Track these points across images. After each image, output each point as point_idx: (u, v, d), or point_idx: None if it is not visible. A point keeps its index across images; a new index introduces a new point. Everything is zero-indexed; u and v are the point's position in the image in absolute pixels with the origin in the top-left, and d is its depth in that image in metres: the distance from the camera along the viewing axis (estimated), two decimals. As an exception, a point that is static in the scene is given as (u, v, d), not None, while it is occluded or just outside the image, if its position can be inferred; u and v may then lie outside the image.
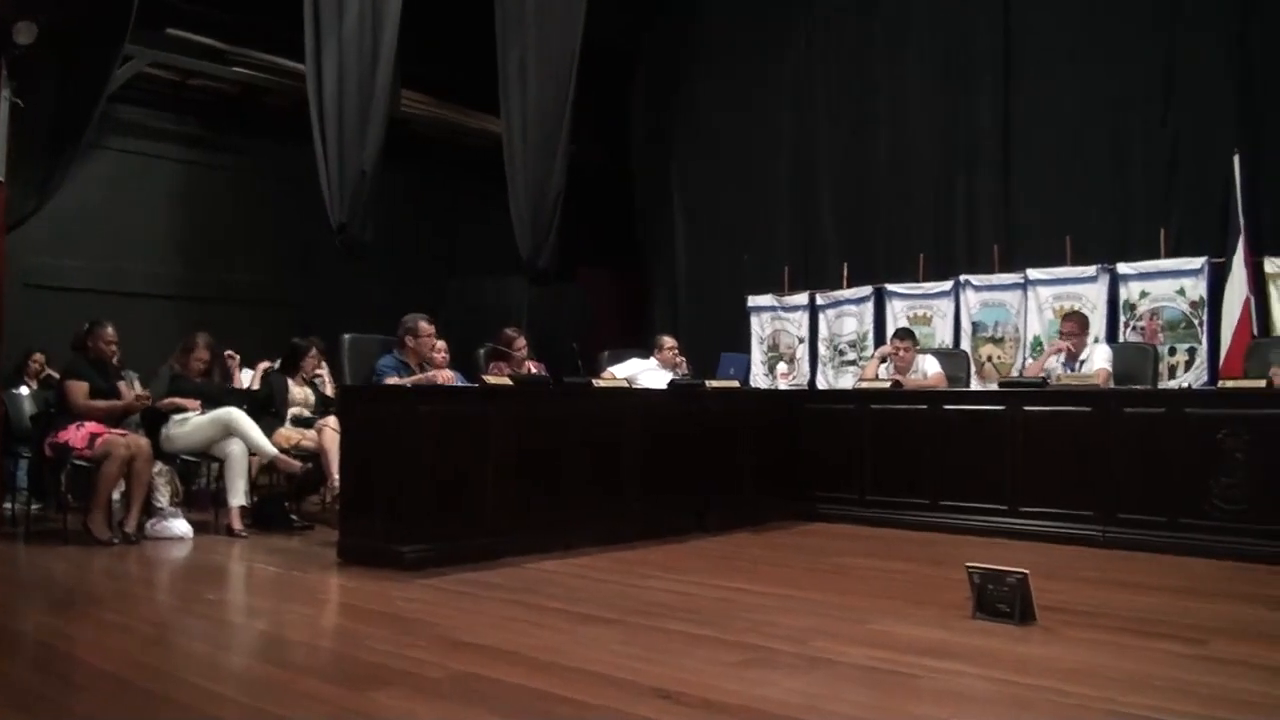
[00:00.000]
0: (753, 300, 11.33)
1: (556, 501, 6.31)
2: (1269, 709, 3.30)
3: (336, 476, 6.64)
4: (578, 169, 10.72)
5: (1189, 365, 8.73)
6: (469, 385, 6.84)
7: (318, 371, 8.01)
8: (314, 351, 7.84)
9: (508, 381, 6.52)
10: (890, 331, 9.38)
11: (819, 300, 10.92)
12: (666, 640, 4.09)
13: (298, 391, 7.67)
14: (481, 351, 7.84)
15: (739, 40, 11.77)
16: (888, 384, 8.01)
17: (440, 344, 7.41)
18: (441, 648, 3.94)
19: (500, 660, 3.75)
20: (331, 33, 8.64)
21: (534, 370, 7.61)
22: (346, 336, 7.42)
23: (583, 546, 6.21)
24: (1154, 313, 8.92)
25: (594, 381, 7.06)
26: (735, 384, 8.13)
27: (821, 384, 10.68)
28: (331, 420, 7.08)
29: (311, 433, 7.33)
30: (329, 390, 7.94)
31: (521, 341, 7.76)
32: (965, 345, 9.73)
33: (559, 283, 10.73)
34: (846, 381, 10.13)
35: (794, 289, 11.10)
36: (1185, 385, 8.44)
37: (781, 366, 10.37)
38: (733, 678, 3.55)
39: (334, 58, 8.66)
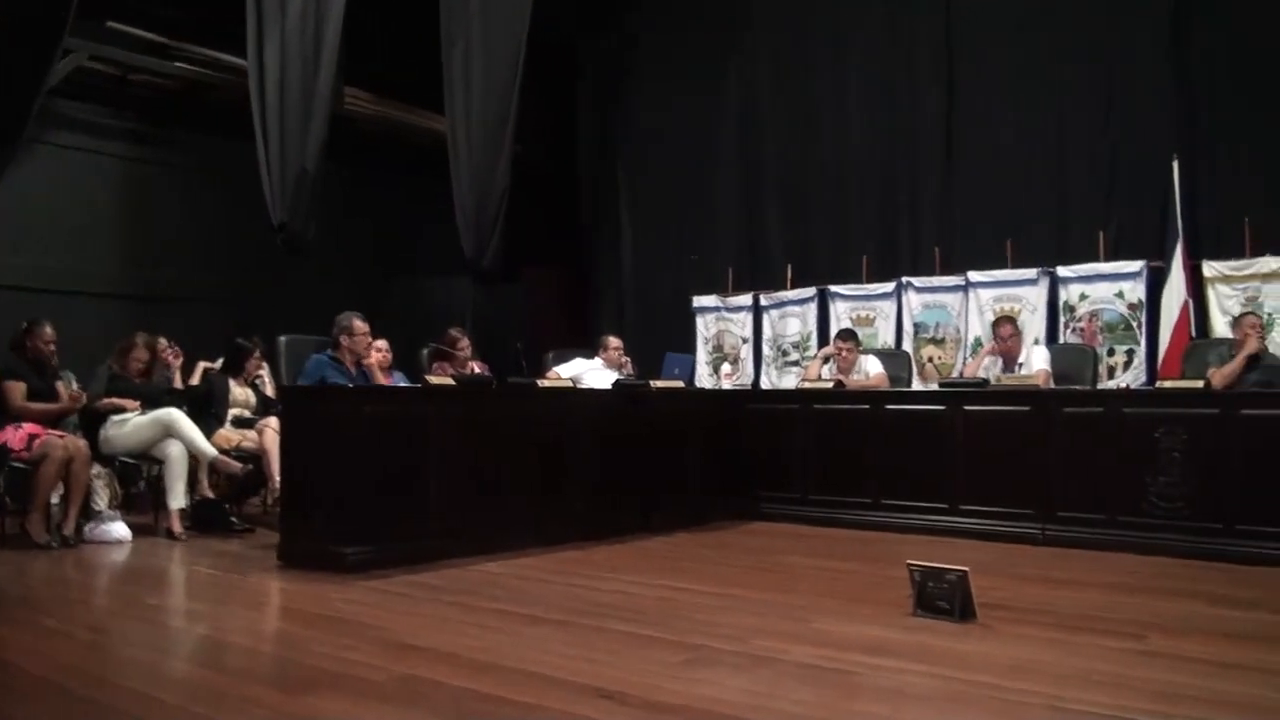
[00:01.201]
0: (698, 301, 11.36)
1: (500, 502, 6.28)
2: (1206, 703, 3.34)
3: (277, 478, 6.57)
4: (523, 168, 10.66)
5: (1127, 366, 8.86)
6: (411, 386, 6.80)
7: (259, 372, 7.92)
8: (256, 353, 7.76)
9: (450, 382, 6.48)
10: (833, 332, 9.42)
11: (763, 301, 10.96)
12: (609, 641, 4.09)
13: (239, 392, 7.59)
14: (425, 352, 7.81)
15: (685, 40, 11.79)
16: (830, 384, 8.06)
17: (381, 343, 7.36)
18: (383, 650, 3.90)
19: (442, 662, 3.73)
20: (274, 28, 8.54)
21: (478, 371, 7.58)
22: (283, 338, 7.35)
23: (526, 547, 6.19)
24: (1093, 315, 9.05)
25: (538, 382, 7.05)
26: (680, 384, 8.13)
27: (765, 384, 10.73)
28: (272, 421, 7.00)
29: (252, 434, 7.25)
30: (270, 391, 7.85)
31: (465, 342, 7.72)
32: (907, 346, 9.81)
33: (503, 282, 10.67)
34: (790, 382, 10.19)
35: (738, 290, 11.14)
36: (1124, 386, 8.57)
37: (726, 367, 10.41)
38: (675, 677, 3.55)
39: (276, 53, 8.56)
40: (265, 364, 8.00)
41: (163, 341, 7.52)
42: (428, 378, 6.61)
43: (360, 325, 6.82)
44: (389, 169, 11.61)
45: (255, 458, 7.13)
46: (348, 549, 5.50)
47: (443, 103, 9.93)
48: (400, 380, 7.37)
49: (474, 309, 10.35)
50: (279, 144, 8.58)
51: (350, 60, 9.68)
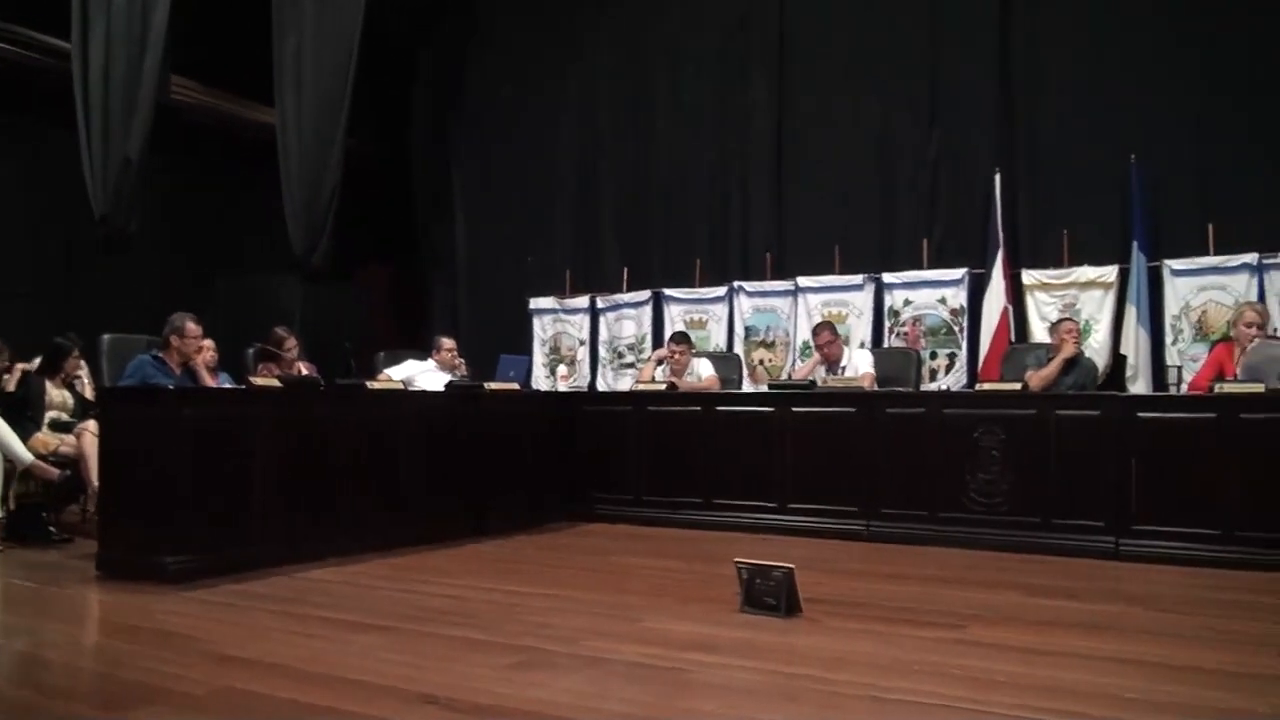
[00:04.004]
0: (534, 303, 11.35)
1: (329, 507, 6.15)
2: (1021, 688, 3.49)
3: (96, 484, 6.32)
4: (357, 165, 10.48)
5: (949, 369, 9.19)
6: (236, 387, 6.62)
7: (77, 373, 7.61)
8: (75, 352, 7.45)
9: (276, 383, 6.33)
10: (668, 335, 9.53)
11: (599, 303, 11.01)
12: (439, 646, 4.05)
13: (56, 394, 7.26)
14: (250, 352, 7.59)
15: (524, 39, 11.76)
16: (664, 386, 8.15)
17: (208, 343, 7.14)
18: (206, 663, 3.79)
19: (267, 674, 3.64)
20: (99, 9, 8.23)
21: (305, 372, 7.41)
22: (106, 336, 7.07)
23: (357, 553, 6.08)
24: (917, 319, 9.36)
25: (368, 383, 6.94)
26: (515, 386, 8.11)
27: (601, 386, 10.78)
28: (91, 424, 6.71)
29: (70, 438, 6.95)
30: (88, 393, 7.54)
31: (292, 341, 7.53)
32: (739, 349, 9.99)
33: (335, 281, 10.47)
34: (625, 384, 10.26)
35: (575, 292, 11.17)
36: (945, 387, 8.88)
37: (562, 369, 10.41)
38: (505, 680, 3.55)
39: (101, 36, 8.25)
40: (84, 364, 7.69)
41: None
42: (253, 379, 6.44)
43: (193, 327, 6.61)
44: (217, 161, 11.25)
45: (73, 463, 6.85)
46: (170, 558, 5.31)
47: (273, 94, 9.70)
48: (226, 382, 7.15)
49: (304, 308, 10.13)
50: (102, 132, 8.28)
51: (179, 47, 9.34)
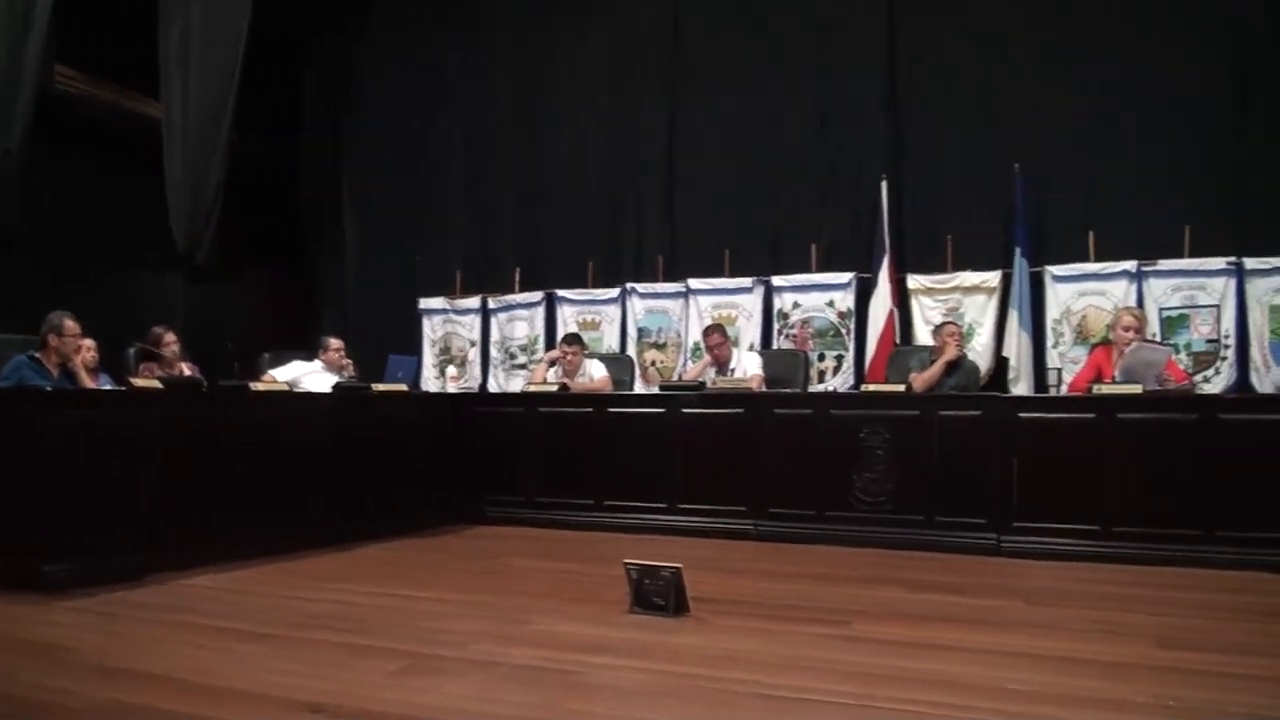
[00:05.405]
0: (424, 303, 11.23)
1: (214, 512, 5.99)
2: (906, 681, 3.56)
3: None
4: (244, 162, 10.25)
5: (837, 370, 9.33)
6: (117, 389, 6.44)
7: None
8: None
9: (157, 384, 6.18)
10: (560, 336, 9.51)
11: (491, 304, 10.94)
12: (325, 653, 3.98)
13: (-79, 395, 7.00)
14: (131, 352, 7.38)
15: (416, 37, 11.63)
16: (556, 387, 8.13)
17: (88, 343, 6.94)
18: (86, 675, 3.66)
19: (149, 685, 3.53)
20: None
21: (188, 373, 7.24)
22: (-20, 336, 6.84)
23: (243, 559, 5.93)
24: (805, 322, 9.48)
25: (253, 385, 6.80)
26: (403, 387, 8.01)
27: (492, 387, 10.72)
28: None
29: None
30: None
31: (171, 336, 7.34)
32: (631, 350, 10.02)
33: (220, 279, 10.24)
34: (517, 384, 10.21)
35: (466, 292, 11.08)
36: (832, 389, 9.03)
37: (451, 370, 10.31)
38: (392, 686, 3.50)
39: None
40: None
41: None
42: (133, 380, 6.28)
43: (71, 325, 6.42)
44: (100, 154, 10.89)
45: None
46: (48, 566, 5.13)
47: (159, 86, 9.46)
48: (106, 383, 6.96)
49: (187, 307, 9.91)
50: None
51: (62, 36, 9.06)
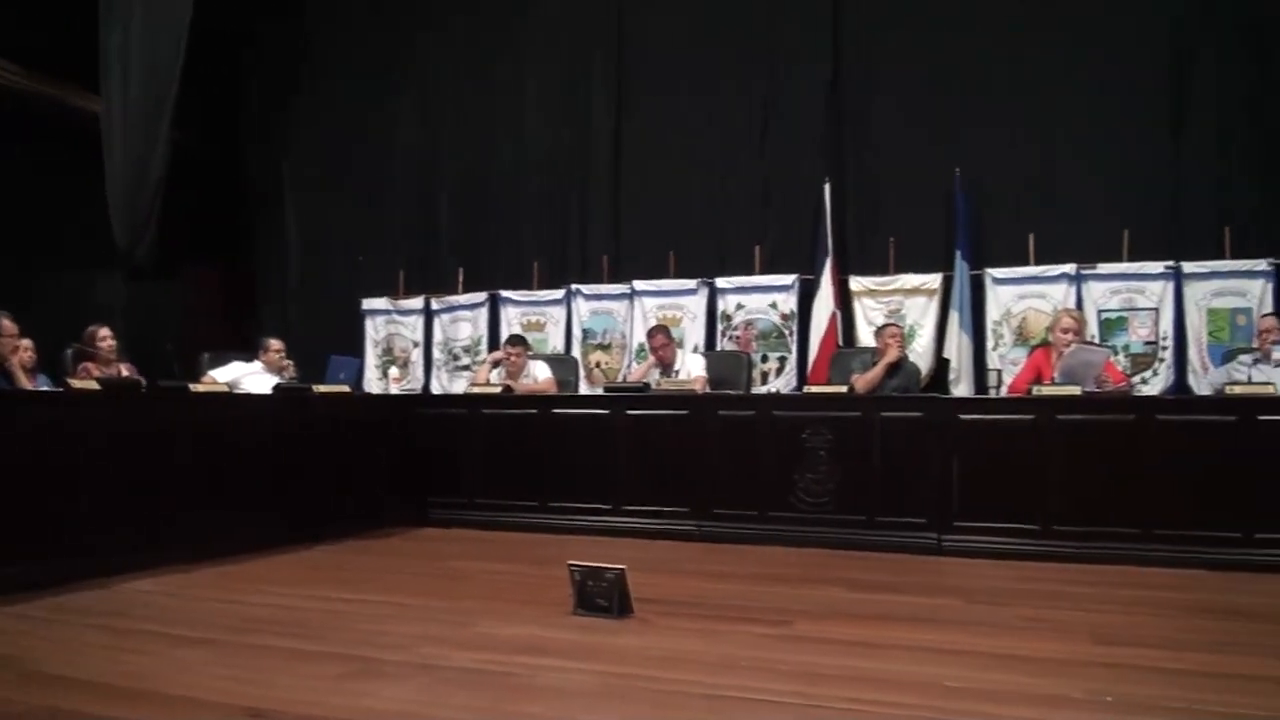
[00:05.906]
0: (367, 303, 11.15)
1: (152, 515, 5.91)
2: (848, 680, 3.60)
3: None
4: (184, 159, 10.10)
5: (780, 372, 9.38)
6: (55, 390, 6.34)
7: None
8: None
9: (94, 385, 6.09)
10: (504, 337, 9.48)
11: (434, 305, 10.88)
12: (265, 658, 3.94)
13: None
14: (68, 352, 7.28)
15: (360, 35, 11.54)
16: (500, 388, 8.10)
17: (25, 343, 6.82)
18: (21, 682, 3.60)
19: (86, 691, 3.48)
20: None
21: (126, 373, 7.14)
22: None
23: (183, 562, 5.85)
24: (749, 323, 9.53)
25: (192, 386, 6.72)
26: (345, 388, 7.95)
27: (435, 388, 10.66)
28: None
29: None
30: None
31: (106, 332, 7.24)
32: (575, 351, 10.01)
33: (160, 279, 10.09)
34: (460, 386, 10.17)
35: (409, 293, 11.02)
36: (775, 390, 9.08)
37: (394, 371, 10.25)
38: (334, 691, 3.48)
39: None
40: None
41: None
42: (71, 381, 6.19)
43: (9, 325, 6.34)
44: (37, 150, 10.70)
45: None
46: (-17, 570, 5.06)
47: (99, 81, 9.31)
48: (44, 384, 6.86)
49: (126, 306, 9.74)
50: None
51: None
